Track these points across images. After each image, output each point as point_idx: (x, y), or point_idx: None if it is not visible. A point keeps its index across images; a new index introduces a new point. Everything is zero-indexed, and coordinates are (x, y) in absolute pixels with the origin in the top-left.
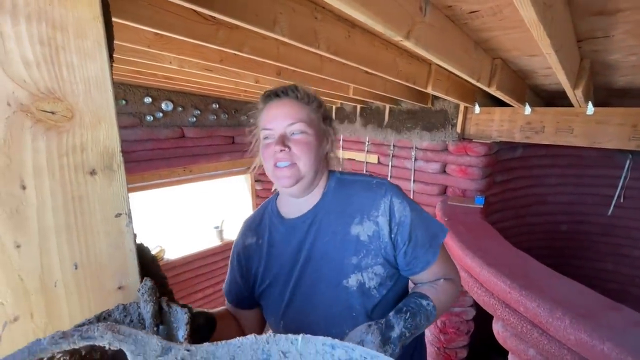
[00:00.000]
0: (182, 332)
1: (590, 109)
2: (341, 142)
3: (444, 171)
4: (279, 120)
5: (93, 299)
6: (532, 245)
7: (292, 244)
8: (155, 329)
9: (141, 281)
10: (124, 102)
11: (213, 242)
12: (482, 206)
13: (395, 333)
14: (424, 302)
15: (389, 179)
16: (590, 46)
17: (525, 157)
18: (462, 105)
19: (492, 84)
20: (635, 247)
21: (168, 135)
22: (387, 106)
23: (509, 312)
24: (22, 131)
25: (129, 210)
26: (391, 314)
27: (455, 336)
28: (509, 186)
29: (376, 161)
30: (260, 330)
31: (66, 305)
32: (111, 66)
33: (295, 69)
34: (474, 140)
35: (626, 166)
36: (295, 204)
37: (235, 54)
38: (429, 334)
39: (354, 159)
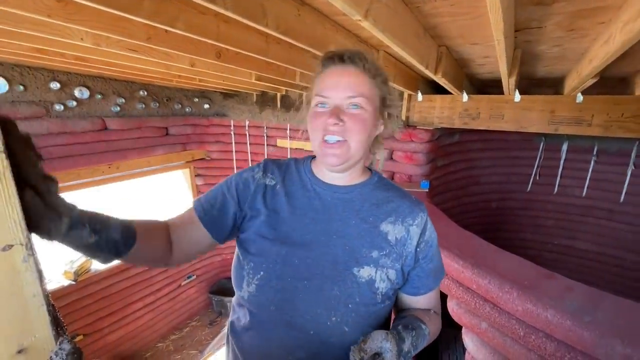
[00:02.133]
0: None
1: (517, 96)
2: (288, 132)
3: (391, 158)
4: (340, 89)
5: None
6: (468, 222)
7: (316, 209)
8: None
9: (56, 340)
10: (21, 87)
11: None
12: (427, 190)
13: (405, 347)
14: (423, 326)
15: None
16: (524, 36)
17: (462, 142)
18: (406, 92)
19: (439, 70)
20: (548, 217)
21: (86, 128)
22: None
23: (463, 290)
24: None
25: (27, 238)
26: (399, 327)
27: None
28: (449, 170)
29: None
30: (186, 252)
31: None
32: None
33: (239, 51)
34: (417, 127)
35: (540, 148)
36: (334, 176)
37: (166, 30)
38: None
39: (303, 149)
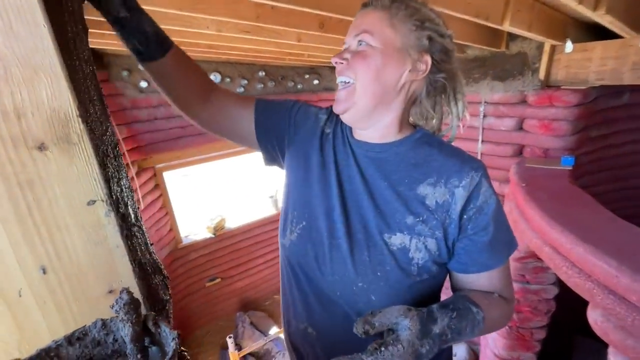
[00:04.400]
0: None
1: None
2: None
3: (521, 128)
4: (350, 33)
5: (77, 308)
6: (630, 212)
7: (351, 167)
8: (139, 356)
9: (140, 289)
10: None
11: (269, 210)
12: (570, 168)
13: (437, 328)
14: (474, 309)
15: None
16: None
17: (633, 104)
18: (547, 43)
19: (600, 5)
20: None
21: None
22: None
23: (614, 300)
24: None
25: (108, 195)
26: (435, 306)
27: (531, 315)
28: (608, 142)
29: None
30: (219, 118)
31: (41, 318)
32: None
33: (343, 17)
34: (562, 87)
35: None
36: (365, 133)
37: (272, 6)
38: None
39: None
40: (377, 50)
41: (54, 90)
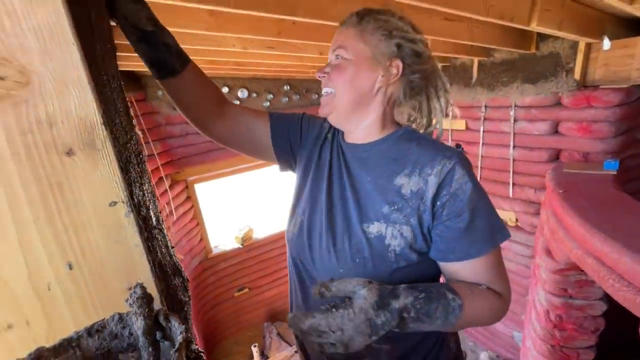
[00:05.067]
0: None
1: None
2: None
3: (556, 131)
4: (330, 48)
5: (99, 302)
6: None
7: (340, 168)
8: (150, 349)
9: (157, 287)
10: None
11: None
12: (614, 172)
13: (397, 304)
14: (449, 295)
15: (480, 146)
16: None
17: None
18: (582, 42)
19: None
20: None
21: None
22: (476, 60)
23: None
24: None
25: (129, 197)
26: (402, 285)
27: (576, 334)
28: None
29: (464, 127)
30: (235, 129)
31: (67, 310)
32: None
33: None
34: (601, 87)
35: None
36: (352, 135)
37: (293, 21)
38: (538, 327)
39: (448, 129)
40: (350, 62)
41: (81, 100)
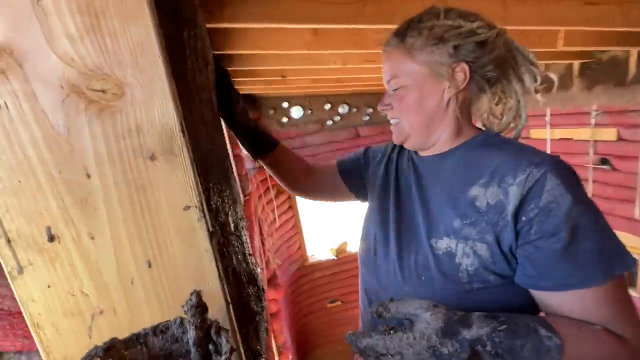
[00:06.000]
0: None
1: None
2: (547, 118)
3: None
4: (383, 78)
5: (172, 302)
6: None
7: (409, 180)
8: None
9: (223, 293)
10: (309, 111)
11: None
12: None
13: (469, 334)
14: (542, 331)
15: None
16: None
17: None
18: None
19: None
20: None
21: (345, 137)
22: (634, 50)
23: None
24: (78, 115)
25: (202, 202)
26: (478, 312)
27: None
28: None
29: (614, 137)
30: (322, 186)
31: (146, 305)
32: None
33: None
34: None
35: None
36: (427, 150)
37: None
38: None
39: (572, 138)
40: (409, 88)
41: (163, 109)
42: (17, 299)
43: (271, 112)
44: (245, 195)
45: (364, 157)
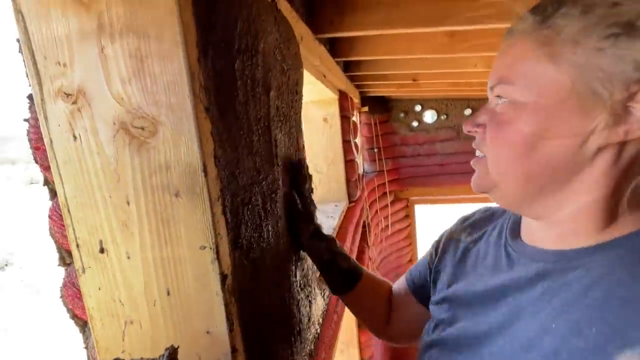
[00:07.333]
0: None
1: None
2: None
3: None
4: (488, 86)
5: (185, 331)
6: None
7: (495, 286)
8: None
9: (230, 340)
10: (444, 116)
11: None
12: None
13: None
14: None
15: None
16: None
17: None
18: None
19: None
20: None
21: None
22: None
23: None
24: (124, 149)
25: (216, 245)
26: None
27: None
28: None
29: None
30: (406, 325)
31: (164, 327)
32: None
33: None
34: None
35: None
36: (539, 227)
37: None
38: None
39: None
40: (524, 110)
41: (188, 149)
42: (81, 291)
43: (402, 115)
44: (350, 202)
45: (431, 259)
